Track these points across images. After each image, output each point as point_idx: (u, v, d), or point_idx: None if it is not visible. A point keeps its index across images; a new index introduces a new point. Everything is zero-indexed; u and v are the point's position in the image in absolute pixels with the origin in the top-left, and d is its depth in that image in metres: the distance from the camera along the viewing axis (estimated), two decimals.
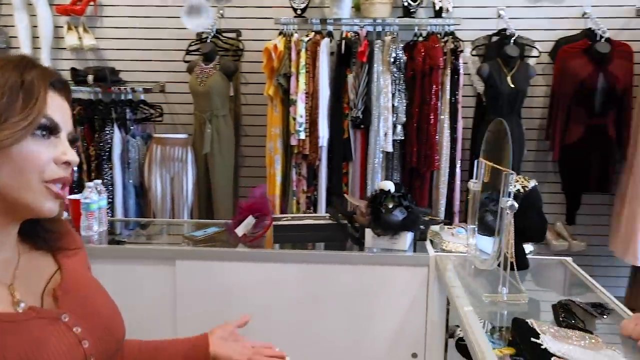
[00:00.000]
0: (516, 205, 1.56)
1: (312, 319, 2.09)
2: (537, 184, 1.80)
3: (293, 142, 3.41)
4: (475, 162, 1.86)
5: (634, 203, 3.32)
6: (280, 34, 3.46)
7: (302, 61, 3.35)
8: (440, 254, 2.03)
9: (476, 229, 1.85)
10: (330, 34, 3.46)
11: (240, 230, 2.18)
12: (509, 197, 1.58)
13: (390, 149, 3.37)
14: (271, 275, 2.10)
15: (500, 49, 3.45)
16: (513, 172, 1.59)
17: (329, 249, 2.18)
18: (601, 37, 3.38)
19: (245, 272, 2.10)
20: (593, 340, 1.33)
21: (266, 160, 3.56)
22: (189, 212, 3.67)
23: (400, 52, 3.33)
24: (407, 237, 2.07)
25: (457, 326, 1.91)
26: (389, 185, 2.07)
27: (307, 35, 3.42)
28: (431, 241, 2.18)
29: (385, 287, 2.07)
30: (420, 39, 3.43)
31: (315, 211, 3.51)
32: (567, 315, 1.47)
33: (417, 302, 2.04)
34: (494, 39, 3.58)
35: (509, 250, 1.60)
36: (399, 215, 2.04)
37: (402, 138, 3.40)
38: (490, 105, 3.45)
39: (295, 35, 3.41)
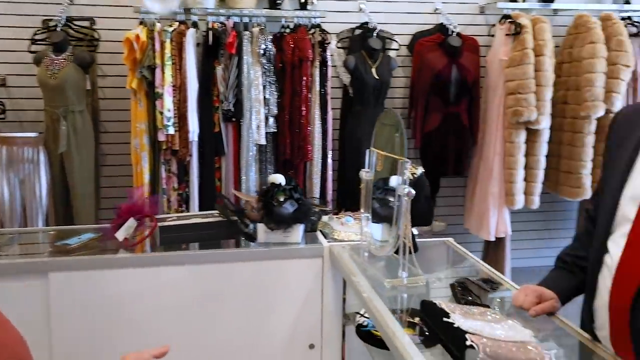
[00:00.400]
0: (413, 192, 1.63)
1: (207, 321, 2.01)
2: (424, 170, 1.90)
3: (161, 137, 3.24)
4: (367, 152, 1.90)
5: (485, 184, 3.65)
6: (140, 23, 3.25)
7: (167, 52, 3.18)
8: (333, 244, 2.06)
9: (370, 216, 1.90)
10: (195, 25, 3.33)
11: (120, 235, 2.02)
12: (405, 184, 1.64)
13: (263, 141, 3.34)
14: (160, 279, 1.97)
15: (364, 42, 3.57)
16: (408, 160, 1.65)
17: (221, 247, 2.10)
18: (452, 31, 3.65)
19: (130, 280, 1.95)
20: (493, 313, 1.43)
21: (132, 157, 3.33)
22: (44, 219, 3.33)
23: (270, 43, 3.30)
24: (299, 230, 2.06)
25: (357, 313, 1.95)
26: (280, 179, 2.05)
27: (170, 25, 3.25)
28: (321, 232, 2.20)
29: (281, 281, 2.05)
30: (288, 30, 3.43)
31: (188, 209, 3.37)
32: (465, 293, 1.57)
33: (313, 293, 2.05)
34: (357, 32, 3.70)
35: (406, 236, 1.67)
36: (289, 207, 2.03)
37: (275, 130, 3.39)
38: (356, 97, 3.56)
39: (158, 25, 3.22)
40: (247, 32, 3.31)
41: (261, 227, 2.04)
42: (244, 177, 3.36)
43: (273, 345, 2.06)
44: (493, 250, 3.77)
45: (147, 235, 2.03)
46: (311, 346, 2.08)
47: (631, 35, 3.61)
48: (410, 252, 1.68)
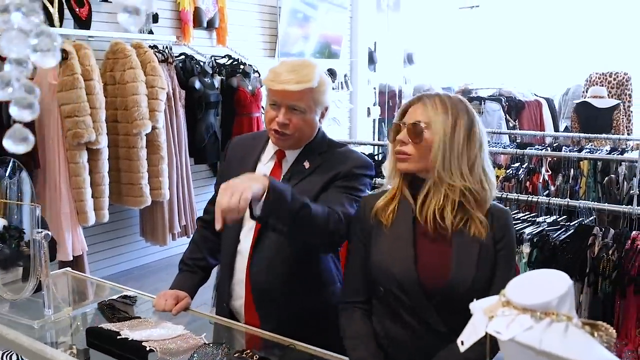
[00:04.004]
0: (50, 234, 1.73)
1: None
2: None
3: None
4: None
5: (55, 206, 3.70)
6: None
7: None
8: None
9: None
10: None
11: None
12: (38, 227, 1.73)
13: None
14: None
15: None
16: (39, 205, 1.74)
17: None
18: None
19: None
20: (146, 321, 1.72)
21: None
22: None
23: None
24: None
25: None
26: None
27: None
28: None
29: None
30: None
31: None
32: (114, 312, 1.80)
33: None
34: None
35: (47, 275, 1.76)
36: None
37: None
38: None
39: None
40: None
41: None
42: None
43: None
44: (73, 269, 3.86)
45: None
46: None
47: (161, 61, 4.26)
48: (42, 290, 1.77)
